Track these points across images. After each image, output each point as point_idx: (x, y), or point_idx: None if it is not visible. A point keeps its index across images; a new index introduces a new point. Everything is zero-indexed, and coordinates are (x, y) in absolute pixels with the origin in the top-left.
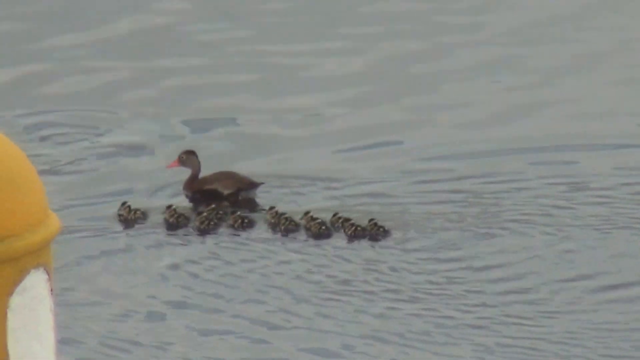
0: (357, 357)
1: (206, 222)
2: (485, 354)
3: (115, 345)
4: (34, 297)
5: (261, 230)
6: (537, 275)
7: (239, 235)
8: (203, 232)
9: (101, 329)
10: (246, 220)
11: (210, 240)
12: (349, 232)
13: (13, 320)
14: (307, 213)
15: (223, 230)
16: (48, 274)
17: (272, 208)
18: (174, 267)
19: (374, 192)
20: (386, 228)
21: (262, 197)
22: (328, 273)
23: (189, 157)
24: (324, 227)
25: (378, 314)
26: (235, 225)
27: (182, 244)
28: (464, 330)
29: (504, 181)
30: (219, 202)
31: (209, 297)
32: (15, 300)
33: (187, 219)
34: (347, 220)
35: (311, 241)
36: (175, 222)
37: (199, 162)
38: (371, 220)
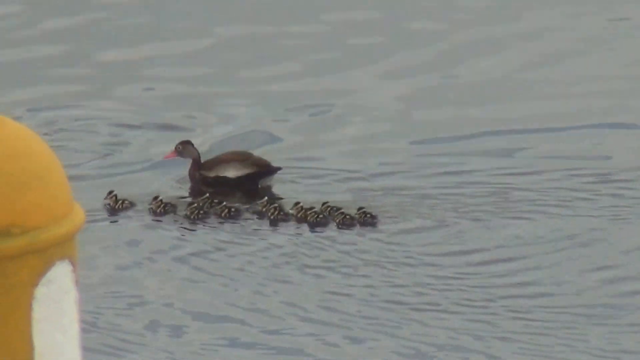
0: (358, 351)
1: (196, 212)
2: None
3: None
4: (59, 288)
5: (249, 221)
6: (545, 268)
7: (224, 225)
8: (192, 222)
9: (84, 318)
10: (232, 210)
11: (195, 230)
12: (338, 221)
13: (38, 311)
14: (297, 203)
15: (211, 220)
16: (73, 266)
17: (263, 198)
18: (152, 258)
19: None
20: (373, 214)
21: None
22: (315, 265)
23: (185, 147)
24: (321, 217)
25: (381, 308)
26: (222, 215)
27: (164, 235)
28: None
29: (518, 167)
30: (228, 188)
31: (194, 290)
32: (41, 292)
33: (174, 207)
34: (338, 209)
35: (299, 231)
36: (162, 211)
37: (196, 150)
38: (360, 208)
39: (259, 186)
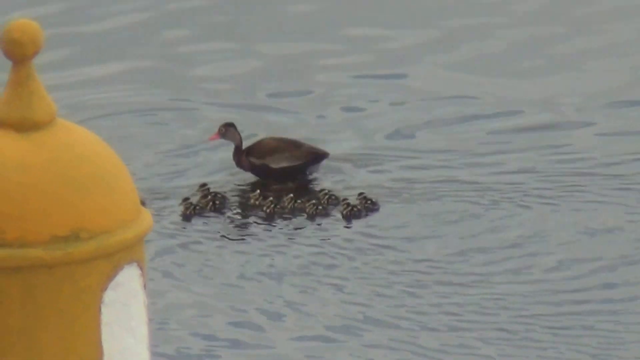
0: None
1: (191, 208)
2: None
3: None
4: (128, 292)
5: (241, 215)
6: (540, 254)
7: (210, 219)
8: (187, 218)
9: None
10: (217, 203)
11: (188, 227)
12: (345, 212)
13: (107, 314)
14: (287, 194)
15: (213, 216)
16: (141, 270)
17: (255, 190)
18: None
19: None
20: (374, 200)
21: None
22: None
23: (228, 130)
24: (320, 207)
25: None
26: (208, 208)
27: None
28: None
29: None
30: (277, 176)
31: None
32: (109, 295)
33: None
34: (343, 199)
35: (300, 225)
36: None
37: (239, 134)
38: (360, 194)
39: (308, 174)
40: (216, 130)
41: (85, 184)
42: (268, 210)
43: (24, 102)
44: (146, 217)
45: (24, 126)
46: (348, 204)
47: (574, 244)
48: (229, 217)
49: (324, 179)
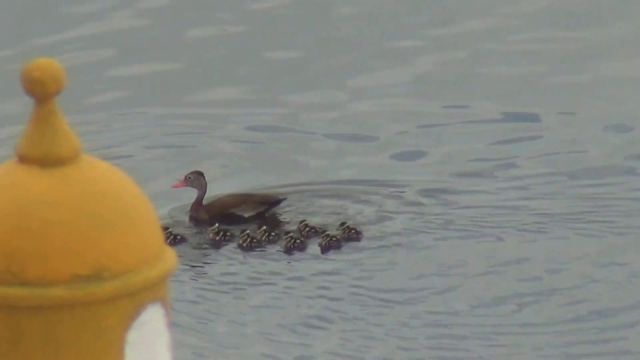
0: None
1: None
2: None
3: None
4: (151, 332)
5: (202, 249)
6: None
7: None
8: None
9: None
10: (178, 237)
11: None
12: (324, 244)
13: (130, 355)
14: (260, 226)
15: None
16: (165, 309)
17: (214, 224)
18: None
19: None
20: (357, 230)
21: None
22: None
23: (196, 178)
24: (298, 241)
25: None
26: (168, 242)
27: None
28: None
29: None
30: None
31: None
32: (133, 336)
33: None
34: (323, 231)
35: (276, 258)
36: None
37: (206, 184)
38: (343, 224)
39: (266, 215)
40: (182, 177)
41: (108, 221)
42: (245, 245)
43: (48, 137)
44: (170, 255)
45: (48, 162)
46: (327, 235)
47: None
48: (187, 252)
49: (301, 211)
